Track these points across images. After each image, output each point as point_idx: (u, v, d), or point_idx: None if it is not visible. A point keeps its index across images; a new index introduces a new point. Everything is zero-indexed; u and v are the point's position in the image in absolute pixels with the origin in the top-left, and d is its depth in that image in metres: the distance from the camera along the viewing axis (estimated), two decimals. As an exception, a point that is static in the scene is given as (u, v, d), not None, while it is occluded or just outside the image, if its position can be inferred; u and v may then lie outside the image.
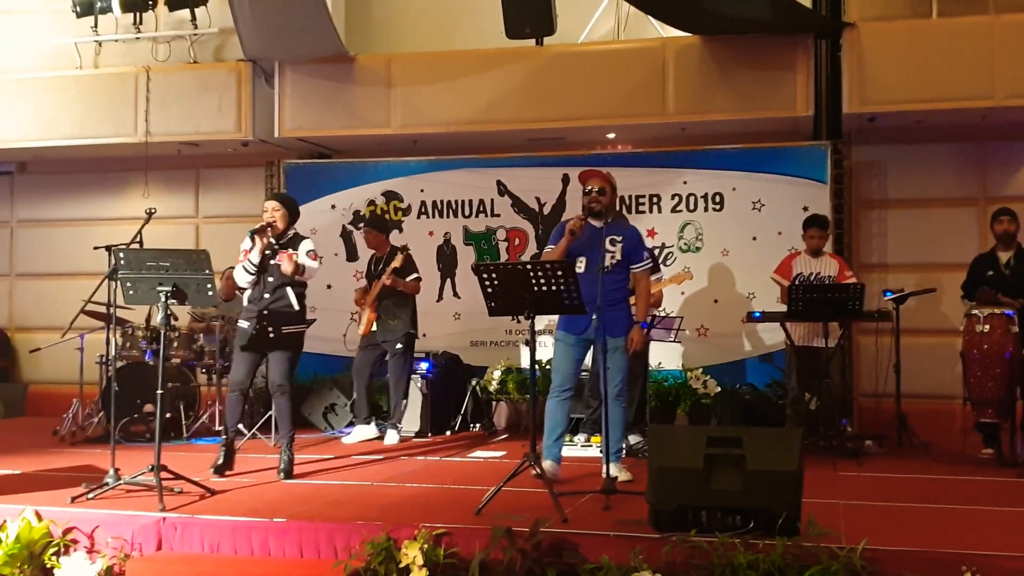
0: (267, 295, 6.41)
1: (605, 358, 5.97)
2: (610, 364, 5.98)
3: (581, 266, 5.94)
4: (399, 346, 8.12)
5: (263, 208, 6.55)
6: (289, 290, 6.45)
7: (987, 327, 6.91)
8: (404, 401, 8.27)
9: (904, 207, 9.31)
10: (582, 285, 5.52)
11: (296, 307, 6.49)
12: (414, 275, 8.20)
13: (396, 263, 8.01)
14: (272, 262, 6.40)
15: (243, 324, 6.49)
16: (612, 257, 6.04)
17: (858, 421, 8.74)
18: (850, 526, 4.74)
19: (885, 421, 8.11)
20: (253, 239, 6.37)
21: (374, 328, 8.17)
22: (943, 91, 8.39)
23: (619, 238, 6.07)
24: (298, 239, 6.55)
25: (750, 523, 4.46)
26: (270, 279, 6.41)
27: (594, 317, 5.78)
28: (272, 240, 6.41)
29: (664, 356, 8.81)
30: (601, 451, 5.88)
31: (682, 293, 9.15)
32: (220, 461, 6.42)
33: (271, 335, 6.37)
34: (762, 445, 4.57)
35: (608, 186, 6.09)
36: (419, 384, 8.64)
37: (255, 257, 6.36)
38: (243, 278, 6.47)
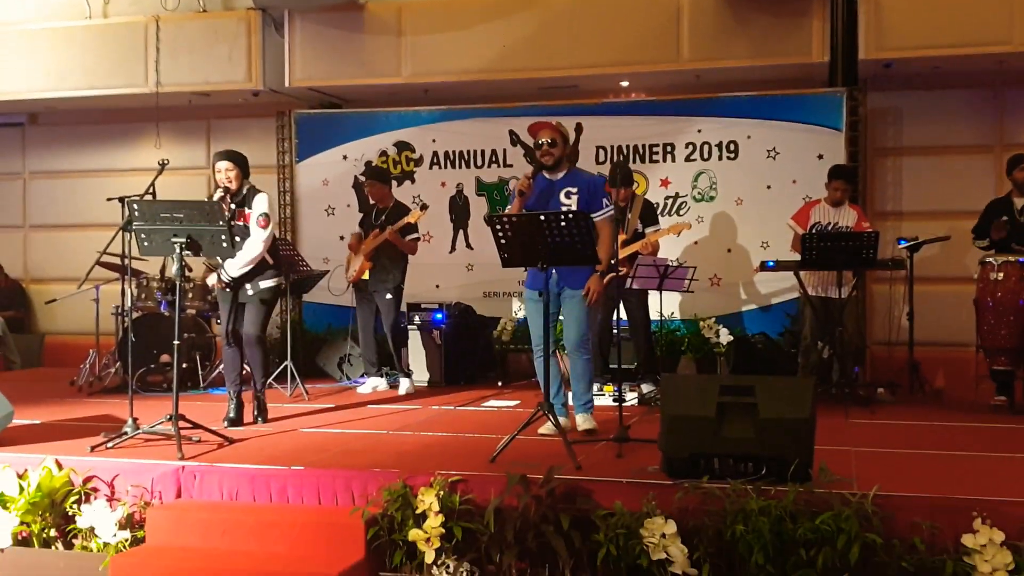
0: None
1: (560, 310, 5.95)
2: (565, 315, 5.95)
3: None
4: (388, 296, 8.11)
5: (214, 168, 6.43)
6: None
7: (1001, 275, 6.88)
8: (404, 349, 8.29)
9: (919, 154, 9.26)
10: None
11: (270, 260, 6.48)
12: (414, 235, 8.18)
13: (413, 218, 7.98)
14: (233, 223, 6.27)
15: (214, 278, 6.54)
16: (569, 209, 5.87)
17: (871, 369, 8.76)
18: (862, 473, 4.77)
19: (898, 369, 8.13)
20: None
21: (365, 277, 8.17)
22: (960, 36, 8.29)
23: (574, 190, 5.92)
24: (252, 194, 6.43)
25: (762, 470, 4.49)
26: (236, 239, 6.33)
27: (554, 272, 5.72)
28: (230, 203, 6.35)
29: (677, 306, 8.85)
30: (614, 400, 5.90)
31: (695, 243, 9.14)
32: (232, 414, 6.48)
33: (249, 292, 6.43)
34: (774, 394, 4.58)
35: (559, 137, 5.93)
36: (432, 334, 8.68)
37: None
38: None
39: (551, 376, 5.92)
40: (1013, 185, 7.43)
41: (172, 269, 6.56)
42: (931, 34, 8.33)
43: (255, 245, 6.35)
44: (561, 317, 6.07)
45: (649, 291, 7.72)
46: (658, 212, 8.30)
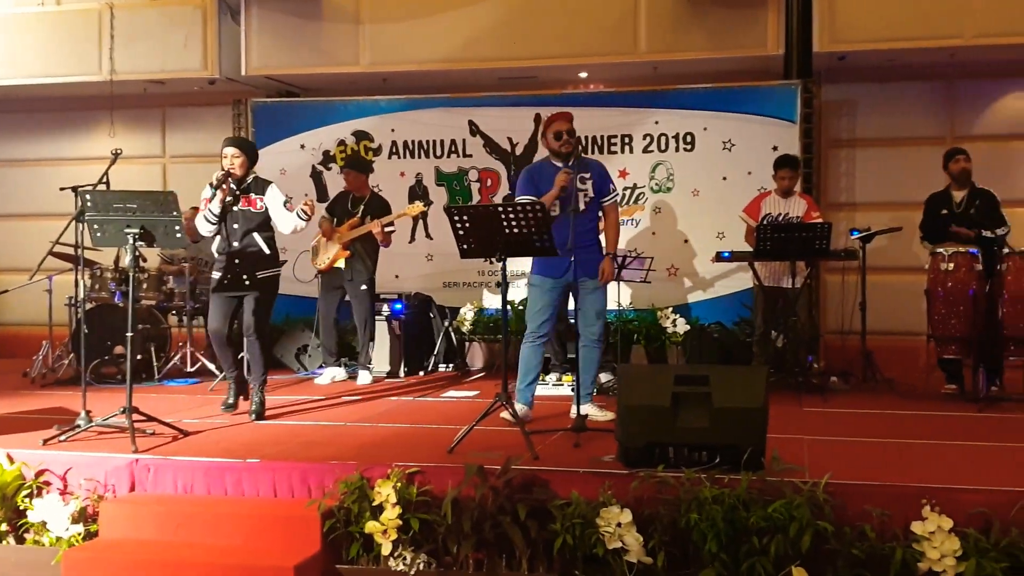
0: (235, 244, 6.35)
1: (578, 300, 6.04)
2: (587, 305, 6.04)
3: (555, 209, 5.94)
4: (363, 287, 8.12)
5: (222, 153, 6.40)
6: (256, 235, 6.40)
7: (951, 265, 7.01)
8: (372, 342, 8.29)
9: (873, 146, 9.39)
10: (555, 228, 5.56)
11: (267, 251, 6.45)
12: (391, 228, 8.16)
13: (413, 212, 7.94)
14: (236, 208, 6.34)
15: (214, 274, 6.46)
16: (586, 195, 6.06)
17: (825, 358, 8.87)
18: (814, 461, 4.84)
19: (851, 358, 8.23)
20: (214, 190, 6.29)
21: (339, 265, 8.13)
22: (913, 30, 8.42)
23: (587, 175, 6.09)
24: (259, 183, 6.47)
25: (716, 459, 4.55)
26: (235, 226, 6.34)
27: (572, 260, 5.82)
28: (234, 187, 6.34)
29: (635, 296, 8.91)
30: (572, 389, 5.94)
31: (653, 233, 9.20)
32: (231, 400, 6.51)
33: (245, 280, 6.35)
34: (728, 383, 4.64)
35: (573, 127, 6.13)
36: (391, 325, 8.66)
37: (215, 207, 6.27)
38: (204, 227, 6.40)
39: (531, 366, 5.96)
40: (951, 178, 7.54)
41: (126, 260, 6.49)
42: (884, 27, 8.45)
43: (293, 223, 6.38)
44: (572, 307, 6.19)
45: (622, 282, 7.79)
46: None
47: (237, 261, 6.35)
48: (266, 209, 6.41)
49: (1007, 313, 6.78)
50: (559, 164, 6.06)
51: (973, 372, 7.11)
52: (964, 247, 7.04)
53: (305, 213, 6.32)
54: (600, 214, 6.25)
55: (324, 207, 8.59)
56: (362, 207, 8.15)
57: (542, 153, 9.30)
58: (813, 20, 8.64)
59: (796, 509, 4.15)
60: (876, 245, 8.20)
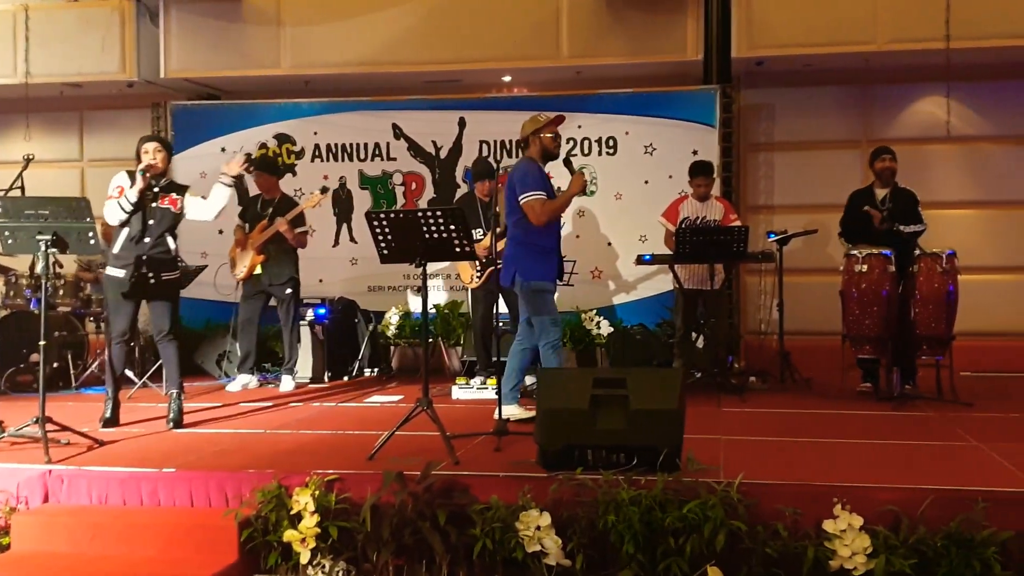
0: (147, 240, 6.24)
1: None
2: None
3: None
4: (288, 291, 8.07)
5: (141, 150, 6.28)
6: (168, 237, 6.33)
7: (865, 267, 7.16)
8: (298, 346, 8.23)
9: (790, 149, 9.57)
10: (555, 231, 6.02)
11: (174, 254, 6.41)
12: (303, 228, 8.12)
13: (311, 203, 7.93)
14: (154, 204, 6.25)
15: (115, 273, 6.27)
16: None
17: (744, 358, 9.02)
18: (729, 461, 4.93)
19: (769, 358, 8.39)
20: (133, 178, 6.18)
21: (257, 271, 8.06)
22: (828, 36, 8.62)
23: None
24: (178, 186, 6.45)
25: (633, 460, 4.60)
26: (151, 222, 6.24)
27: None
28: (153, 182, 6.25)
29: (559, 298, 8.94)
30: (496, 392, 5.96)
31: (577, 236, 9.27)
32: (108, 415, 6.31)
33: (152, 281, 6.25)
34: (645, 385, 4.70)
35: None
36: (315, 330, 8.59)
37: (133, 196, 6.14)
38: (115, 215, 6.22)
39: (519, 368, 6.11)
40: (875, 176, 7.71)
41: (39, 267, 6.35)
42: (801, 33, 8.63)
43: (220, 198, 6.39)
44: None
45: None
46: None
47: (145, 260, 6.24)
48: (182, 210, 6.35)
49: (919, 314, 6.96)
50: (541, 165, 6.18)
51: (887, 372, 7.28)
52: (877, 249, 7.20)
53: (227, 176, 6.32)
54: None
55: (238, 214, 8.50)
56: (271, 210, 8.08)
57: (467, 156, 9.46)
58: (732, 26, 8.79)
59: (710, 509, 4.21)
60: (793, 247, 8.36)
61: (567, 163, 6.37)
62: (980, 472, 4.77)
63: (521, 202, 6.03)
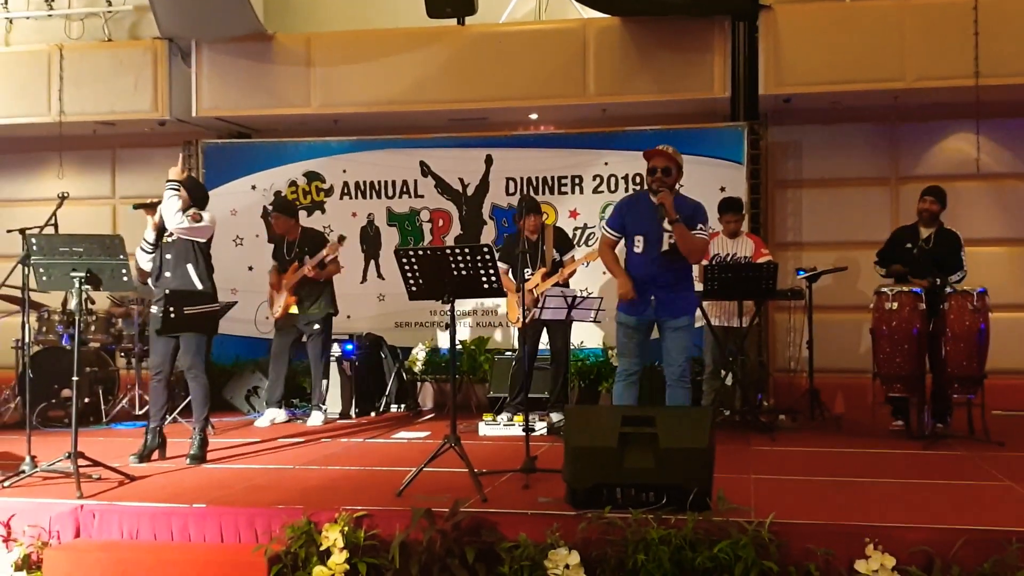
0: (167, 274, 6.32)
1: (663, 338, 6.09)
2: (669, 345, 6.05)
3: (639, 246, 5.98)
4: (317, 327, 8.13)
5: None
6: (190, 268, 6.35)
7: (895, 304, 7.11)
8: (325, 382, 8.26)
9: (818, 186, 9.54)
10: (639, 265, 5.81)
11: (199, 286, 6.37)
12: (331, 258, 8.19)
13: (329, 251, 8.01)
14: (171, 239, 6.31)
15: (154, 309, 6.42)
16: (671, 238, 5.93)
17: (773, 396, 8.96)
18: (760, 500, 4.89)
19: (798, 396, 8.33)
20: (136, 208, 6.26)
21: (293, 311, 8.13)
22: (856, 73, 8.61)
23: (679, 218, 5.91)
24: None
25: (663, 499, 4.58)
26: (167, 257, 6.31)
27: (652, 298, 5.92)
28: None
29: (585, 335, 8.96)
30: (523, 430, 5.95)
31: (604, 273, 9.25)
32: (144, 448, 6.35)
33: (172, 316, 6.29)
34: (674, 423, 4.69)
35: (674, 166, 6.04)
36: (343, 366, 8.63)
37: (149, 235, 6.26)
38: (142, 258, 6.37)
39: (629, 402, 6.01)
40: (918, 215, 7.66)
41: (72, 303, 6.44)
42: (828, 71, 8.63)
43: (166, 218, 6.31)
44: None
45: (574, 322, 7.83)
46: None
47: (168, 294, 6.30)
48: (202, 236, 6.40)
49: (950, 352, 6.91)
50: (652, 198, 6.01)
51: (919, 409, 7.22)
52: (908, 287, 7.16)
53: (173, 181, 6.31)
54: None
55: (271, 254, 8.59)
56: (296, 250, 8.18)
57: (493, 194, 9.52)
58: (759, 64, 8.81)
59: (741, 549, 4.19)
60: (822, 284, 8.33)
61: None
62: (1014, 512, 4.71)
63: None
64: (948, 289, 7.00)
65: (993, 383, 7.12)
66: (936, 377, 7.05)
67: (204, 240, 6.44)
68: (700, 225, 6.03)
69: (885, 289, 7.22)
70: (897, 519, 4.50)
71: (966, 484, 5.49)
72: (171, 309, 6.29)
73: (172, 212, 6.27)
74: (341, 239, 8.22)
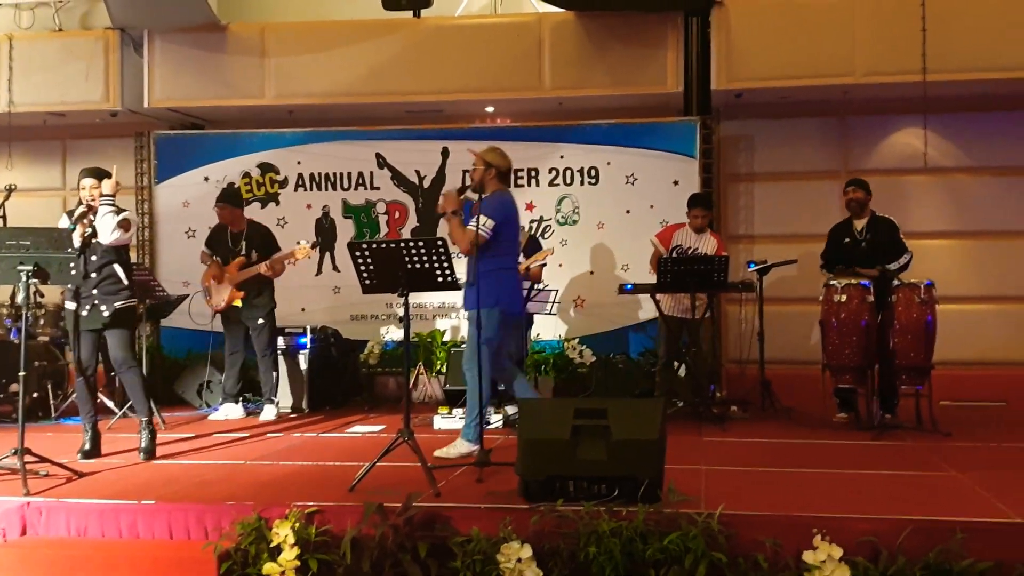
0: (93, 274, 6.20)
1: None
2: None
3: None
4: (260, 321, 8.06)
5: (79, 184, 6.29)
6: (116, 266, 6.28)
7: (844, 297, 7.21)
8: (275, 375, 8.21)
9: (770, 180, 9.64)
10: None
11: (125, 281, 6.31)
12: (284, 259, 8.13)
13: (300, 255, 7.93)
14: (95, 241, 6.18)
15: (69, 305, 6.29)
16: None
17: (726, 387, 9.05)
18: (710, 491, 4.94)
19: (750, 387, 8.42)
20: (75, 220, 6.13)
21: (237, 304, 8.06)
22: (806, 68, 8.70)
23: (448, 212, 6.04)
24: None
25: (615, 491, 4.61)
26: (92, 257, 6.20)
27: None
28: (92, 220, 6.19)
29: (543, 327, 9.00)
30: (480, 423, 5.95)
31: (560, 265, 9.30)
32: (87, 447, 6.26)
33: (104, 313, 6.21)
34: (626, 415, 4.72)
35: (480, 162, 6.16)
36: (297, 359, 8.58)
37: (76, 242, 6.07)
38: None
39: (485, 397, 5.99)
40: (847, 207, 7.78)
41: (19, 296, 6.34)
42: (779, 66, 8.72)
43: (102, 236, 6.18)
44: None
45: (535, 315, 7.85)
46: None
47: (95, 292, 6.21)
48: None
49: (898, 343, 7.01)
50: (470, 194, 6.12)
51: (867, 400, 7.33)
52: (856, 279, 7.26)
53: (107, 198, 6.18)
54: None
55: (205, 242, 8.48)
56: (243, 243, 8.09)
57: (450, 185, 9.51)
58: (711, 59, 8.88)
59: (691, 540, 4.23)
60: (773, 277, 8.42)
61: None
62: (959, 502, 4.80)
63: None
64: (896, 282, 7.10)
65: (940, 374, 7.23)
66: (884, 368, 7.15)
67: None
68: (482, 217, 5.98)
69: (834, 282, 7.32)
70: (844, 509, 4.56)
71: (913, 475, 5.58)
72: (102, 306, 6.21)
73: (109, 230, 6.17)
74: (314, 245, 8.16)
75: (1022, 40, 8.39)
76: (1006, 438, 6.90)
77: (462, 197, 6.07)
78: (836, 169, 9.54)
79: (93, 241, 6.18)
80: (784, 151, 9.59)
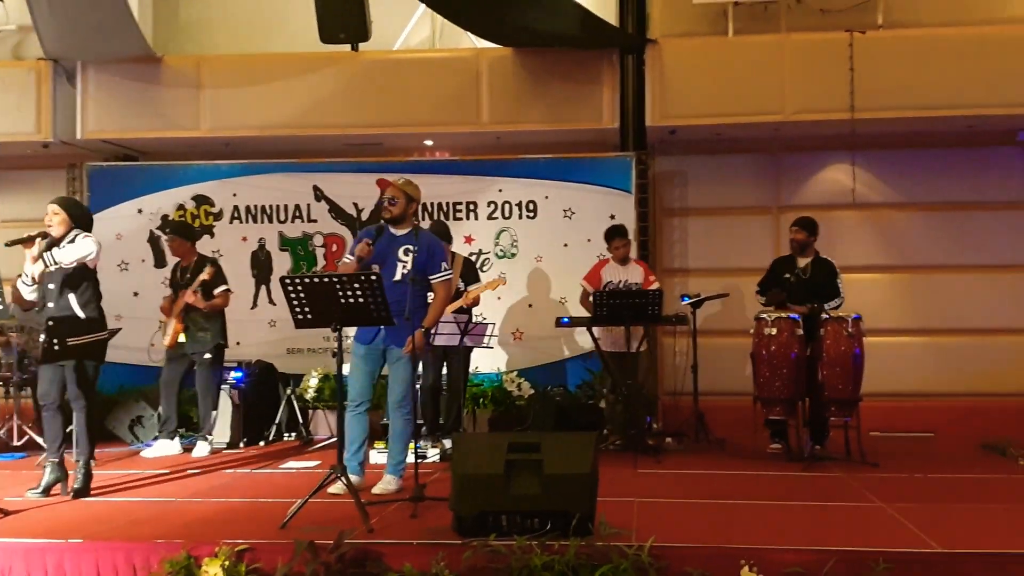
0: (50, 304, 6.15)
1: (383, 367, 6.15)
2: (391, 374, 6.10)
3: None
4: (207, 356, 7.98)
5: (47, 212, 6.27)
6: (72, 297, 6.17)
7: (774, 330, 7.34)
8: (214, 412, 8.11)
9: (703, 215, 9.79)
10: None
11: (81, 315, 6.19)
12: (223, 287, 8.06)
13: (205, 275, 7.85)
14: (52, 268, 6.13)
15: (42, 337, 6.23)
16: (404, 267, 6.07)
17: (662, 419, 9.14)
18: (642, 524, 4.99)
19: (685, 418, 8.52)
20: (13, 244, 6.10)
21: (181, 339, 7.97)
22: (738, 106, 8.89)
23: (413, 248, 6.07)
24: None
25: (547, 525, 4.64)
26: (50, 286, 6.13)
27: (382, 329, 5.92)
28: (45, 246, 6.14)
29: (481, 360, 9.01)
30: (417, 457, 5.95)
31: (499, 298, 9.34)
32: (45, 482, 6.12)
33: (55, 346, 6.11)
34: (559, 449, 4.76)
35: (401, 195, 6.17)
36: (231, 394, 8.49)
37: (28, 268, 6.05)
38: (24, 290, 6.17)
39: (355, 435, 5.93)
40: (791, 247, 7.93)
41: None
42: (712, 104, 8.89)
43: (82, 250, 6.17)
44: (385, 374, 6.18)
45: (474, 348, 7.87)
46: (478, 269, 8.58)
47: (51, 324, 6.13)
48: (84, 267, 6.22)
49: (827, 375, 7.14)
50: (391, 228, 6.18)
51: (797, 432, 7.44)
52: (786, 313, 7.40)
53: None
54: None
55: (162, 273, 8.40)
56: (188, 276, 8.03)
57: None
58: (646, 96, 9.04)
59: (622, 573, 4.27)
60: (706, 310, 8.56)
61: None
62: (883, 533, 4.91)
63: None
64: (824, 315, 7.24)
65: (870, 405, 7.40)
66: (814, 400, 7.28)
67: (92, 267, 6.29)
68: (443, 264, 6.20)
69: (764, 315, 7.45)
70: (772, 540, 4.64)
71: (840, 505, 5.69)
72: (53, 339, 6.11)
73: (69, 259, 6.15)
74: (213, 261, 8.09)
75: (946, 80, 8.66)
76: (933, 469, 7.06)
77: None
78: (768, 205, 9.73)
79: (49, 270, 6.10)
80: (717, 187, 9.76)
